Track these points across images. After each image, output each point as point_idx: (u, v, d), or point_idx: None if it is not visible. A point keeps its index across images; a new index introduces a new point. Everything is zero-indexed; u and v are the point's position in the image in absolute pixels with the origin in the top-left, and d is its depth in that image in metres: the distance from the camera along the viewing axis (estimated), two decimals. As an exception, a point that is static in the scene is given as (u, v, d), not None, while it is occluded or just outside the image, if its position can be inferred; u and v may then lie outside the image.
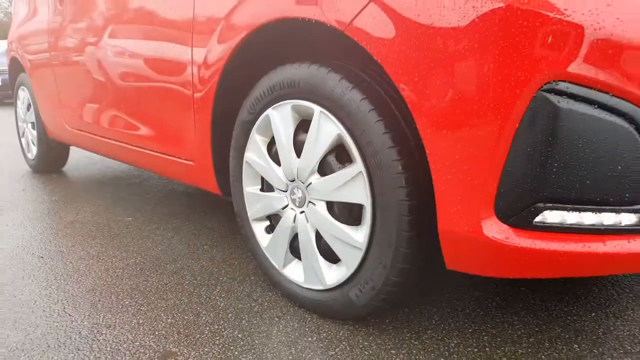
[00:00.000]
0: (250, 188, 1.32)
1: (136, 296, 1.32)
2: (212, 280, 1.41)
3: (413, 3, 0.85)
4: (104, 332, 1.14)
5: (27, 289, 1.38)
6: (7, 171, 3.09)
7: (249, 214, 1.34)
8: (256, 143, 1.25)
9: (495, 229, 0.85)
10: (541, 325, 1.14)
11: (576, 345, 1.06)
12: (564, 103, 0.79)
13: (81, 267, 1.53)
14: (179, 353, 1.05)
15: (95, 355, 1.05)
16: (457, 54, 0.82)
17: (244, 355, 1.04)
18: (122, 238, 1.78)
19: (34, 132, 2.95)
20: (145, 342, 1.09)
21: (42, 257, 1.62)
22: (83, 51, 2.02)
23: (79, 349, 1.07)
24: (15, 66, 3.04)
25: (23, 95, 3.04)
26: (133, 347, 1.08)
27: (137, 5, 1.65)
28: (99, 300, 1.30)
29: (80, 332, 1.14)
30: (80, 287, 1.38)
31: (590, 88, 0.79)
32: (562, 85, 0.78)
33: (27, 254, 1.65)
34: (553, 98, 0.79)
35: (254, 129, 1.25)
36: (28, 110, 2.99)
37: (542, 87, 0.79)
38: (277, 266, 1.27)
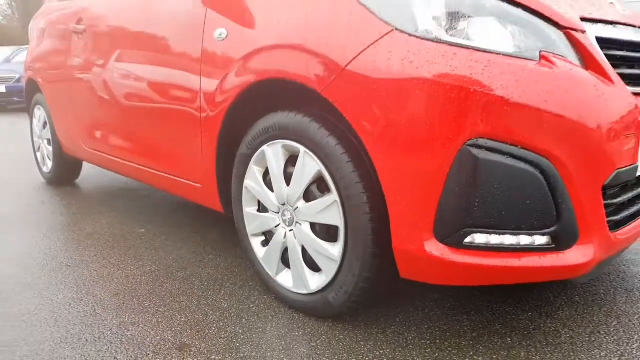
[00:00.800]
0: (249, 209, 1.58)
1: (154, 299, 1.58)
2: (217, 285, 1.68)
3: (373, 83, 1.12)
4: (130, 329, 1.40)
5: (62, 294, 1.64)
6: (24, 184, 3.35)
7: (247, 230, 1.60)
8: (254, 173, 1.52)
9: (434, 248, 1.12)
10: (484, 322, 1.41)
11: (509, 339, 1.32)
12: (482, 154, 1.06)
13: (104, 274, 1.79)
14: (192, 345, 1.31)
15: (125, 347, 1.31)
16: (406, 119, 1.09)
17: (244, 347, 1.30)
18: (137, 248, 2.05)
19: (50, 148, 3.21)
20: (165, 337, 1.36)
21: (69, 266, 1.88)
22: (100, 79, 2.28)
23: (111, 343, 1.34)
24: (32, 87, 3.30)
25: (39, 114, 3.30)
26: (155, 340, 1.34)
27: (150, 39, 1.90)
28: (123, 303, 1.56)
29: (110, 329, 1.40)
30: (106, 292, 1.65)
31: (503, 142, 1.06)
32: (481, 141, 1.06)
33: (56, 263, 1.91)
34: (474, 151, 1.06)
35: (251, 161, 1.52)
36: (44, 127, 3.25)
37: (466, 142, 1.06)
38: (271, 274, 1.54)
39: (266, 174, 1.51)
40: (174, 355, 1.27)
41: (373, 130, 1.14)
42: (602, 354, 1.25)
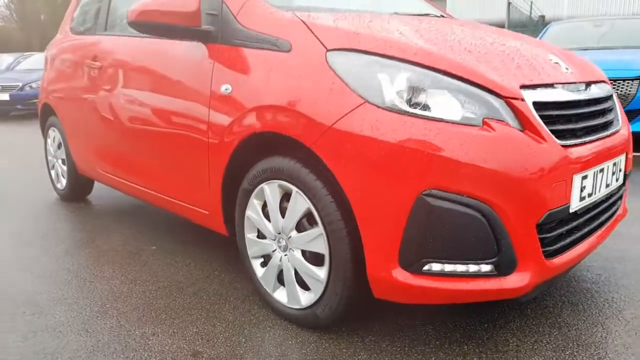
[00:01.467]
0: (250, 235, 1.86)
1: (169, 312, 1.86)
2: (222, 299, 1.95)
3: (350, 142, 1.40)
4: (151, 338, 1.68)
5: (89, 307, 1.91)
6: (40, 200, 3.62)
7: (249, 253, 1.88)
8: (254, 205, 1.80)
9: (399, 274, 1.40)
10: (447, 332, 1.69)
11: (466, 347, 1.60)
12: (435, 202, 1.34)
13: (124, 290, 2.06)
14: (203, 352, 1.59)
15: (148, 354, 1.59)
16: (375, 173, 1.36)
17: (247, 354, 1.58)
18: (151, 265, 2.32)
19: (64, 167, 3.48)
20: (180, 345, 1.63)
21: (92, 282, 2.15)
22: (116, 110, 2.54)
23: (136, 350, 1.61)
24: (47, 110, 3.57)
25: (53, 134, 3.57)
26: (172, 348, 1.62)
27: (164, 79, 2.17)
28: (143, 316, 1.84)
29: (134, 339, 1.68)
30: (127, 306, 1.92)
31: (451, 192, 1.34)
32: (434, 192, 1.34)
33: (80, 279, 2.18)
34: (428, 199, 1.34)
35: (252, 195, 1.79)
36: (58, 148, 3.52)
37: (422, 192, 1.34)
38: (268, 291, 1.81)
39: (264, 206, 1.79)
40: (188, 360, 1.55)
41: (350, 179, 1.42)
42: (541, 359, 1.53)
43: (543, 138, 1.43)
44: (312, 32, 1.60)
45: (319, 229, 1.56)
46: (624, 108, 4.76)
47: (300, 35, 1.62)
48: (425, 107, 1.39)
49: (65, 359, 1.57)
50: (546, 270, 1.48)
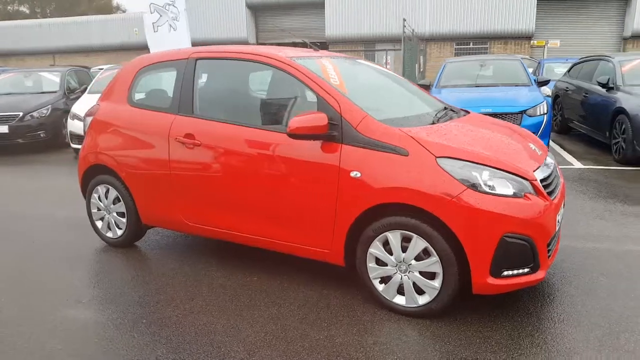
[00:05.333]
0: (371, 264, 2.92)
1: (329, 321, 2.84)
2: (348, 309, 2.97)
3: (463, 213, 2.58)
4: (335, 338, 2.66)
5: (251, 328, 2.80)
6: (88, 249, 4.13)
7: (370, 276, 2.94)
8: (377, 245, 2.87)
9: (490, 279, 2.62)
10: (493, 327, 2.95)
11: (528, 327, 2.88)
12: (509, 239, 2.58)
13: (291, 309, 2.96)
14: (368, 339, 2.64)
15: (330, 348, 2.58)
16: (479, 229, 2.58)
17: (384, 336, 2.66)
18: (269, 292, 3.22)
19: (122, 219, 4.06)
20: (354, 339, 2.65)
21: (243, 321, 3.01)
22: (230, 178, 3.26)
23: (324, 347, 2.59)
24: (97, 169, 4.09)
25: (103, 190, 4.10)
26: (348, 343, 2.63)
27: (289, 157, 3.09)
28: (326, 325, 2.79)
29: (318, 339, 2.65)
30: (300, 312, 2.85)
31: (516, 233, 2.60)
32: (508, 234, 2.58)
33: (228, 319, 3.01)
34: (506, 238, 2.57)
35: (376, 239, 2.86)
36: (114, 203, 4.08)
37: (503, 235, 2.57)
38: (388, 298, 2.90)
39: (384, 244, 2.86)
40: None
41: (461, 229, 2.59)
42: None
43: (547, 199, 2.76)
44: (421, 145, 2.74)
45: (435, 258, 2.70)
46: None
47: (413, 146, 2.74)
48: (493, 188, 2.63)
49: None
50: (548, 266, 2.83)
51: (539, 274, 2.71)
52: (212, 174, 3.42)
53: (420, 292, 2.82)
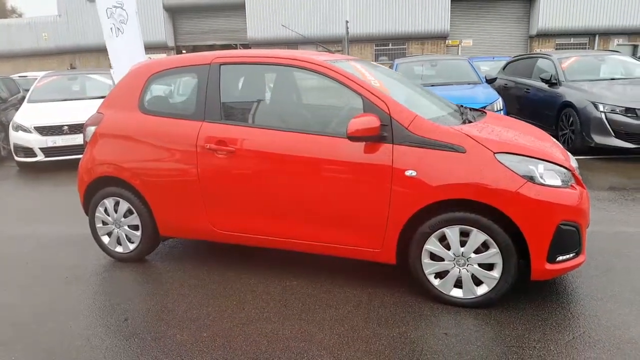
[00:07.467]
0: (426, 260, 3.02)
1: (388, 319, 2.90)
2: (400, 305, 3.05)
3: (521, 204, 2.76)
4: (404, 336, 2.73)
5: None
6: (97, 267, 3.86)
7: (425, 272, 3.04)
8: (433, 241, 2.97)
9: (547, 265, 2.82)
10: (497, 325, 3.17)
11: (519, 327, 3.11)
12: (564, 227, 2.80)
13: (343, 312, 2.97)
14: (449, 333, 2.74)
15: (408, 341, 2.66)
16: (537, 214, 2.77)
17: (449, 324, 2.79)
18: (317, 296, 3.21)
19: (136, 232, 3.84)
20: (433, 331, 2.74)
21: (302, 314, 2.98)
22: (273, 184, 3.21)
23: (398, 343, 2.66)
24: (105, 182, 3.83)
25: (111, 204, 3.85)
26: (429, 334, 2.71)
27: (335, 160, 3.10)
28: (387, 321, 2.84)
29: (388, 337, 2.70)
30: (353, 319, 2.88)
31: (569, 221, 2.83)
32: (563, 222, 2.80)
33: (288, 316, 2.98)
34: (562, 226, 2.79)
35: (432, 235, 2.96)
36: (124, 216, 3.85)
37: (559, 223, 2.78)
38: (445, 292, 3.02)
39: (440, 240, 2.97)
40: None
41: (524, 220, 2.76)
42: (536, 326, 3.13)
43: (584, 187, 3.02)
44: (477, 142, 2.88)
45: (495, 250, 2.86)
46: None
47: (469, 143, 2.88)
48: (545, 179, 2.83)
49: None
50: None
51: (582, 258, 2.97)
52: (251, 180, 3.34)
53: (478, 283, 2.97)
